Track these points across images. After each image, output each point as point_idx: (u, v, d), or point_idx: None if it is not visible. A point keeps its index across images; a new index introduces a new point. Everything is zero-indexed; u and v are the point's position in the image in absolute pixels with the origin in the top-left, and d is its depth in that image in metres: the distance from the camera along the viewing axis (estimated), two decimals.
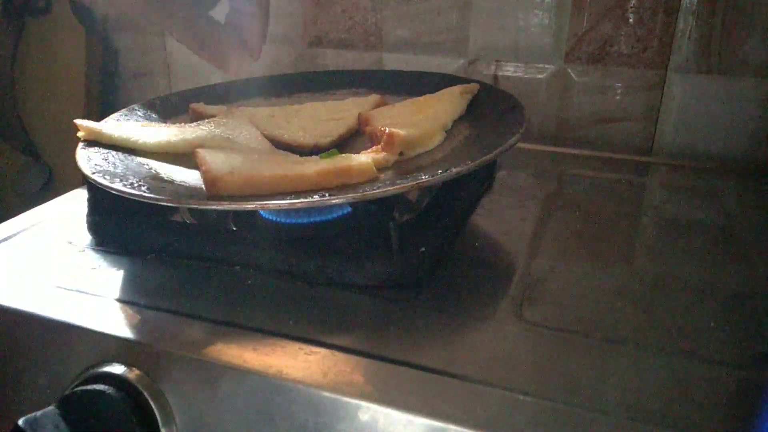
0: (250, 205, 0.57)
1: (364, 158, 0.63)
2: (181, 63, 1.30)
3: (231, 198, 0.58)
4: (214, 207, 0.56)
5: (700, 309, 0.56)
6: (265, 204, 0.57)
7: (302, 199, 0.55)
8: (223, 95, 0.91)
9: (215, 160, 0.63)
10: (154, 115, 0.83)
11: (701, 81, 0.94)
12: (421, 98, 0.83)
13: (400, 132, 0.67)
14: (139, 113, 0.82)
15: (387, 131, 0.66)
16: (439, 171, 0.58)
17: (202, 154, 0.65)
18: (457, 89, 0.82)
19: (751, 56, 0.91)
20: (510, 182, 0.84)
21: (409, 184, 0.56)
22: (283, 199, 0.55)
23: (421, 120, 0.75)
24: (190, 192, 0.61)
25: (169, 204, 0.56)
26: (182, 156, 0.70)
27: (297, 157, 0.68)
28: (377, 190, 0.55)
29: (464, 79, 0.86)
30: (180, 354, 0.51)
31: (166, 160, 0.69)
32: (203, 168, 0.62)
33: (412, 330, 0.53)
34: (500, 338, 0.51)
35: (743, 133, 0.94)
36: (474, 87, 0.83)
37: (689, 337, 0.52)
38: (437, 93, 0.83)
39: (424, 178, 0.57)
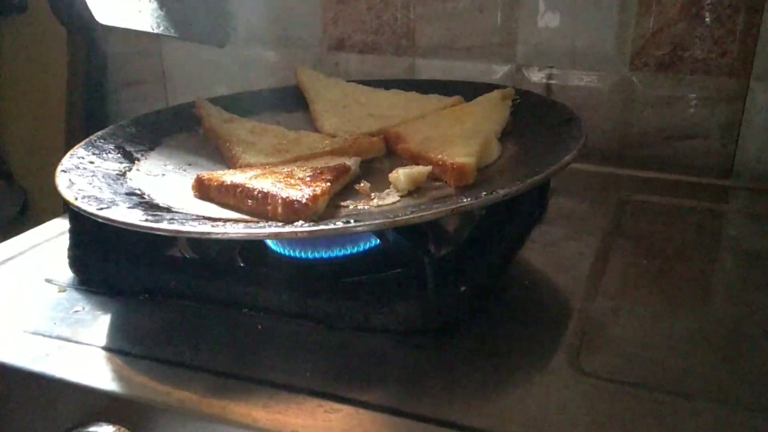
0: (260, 234, 0.57)
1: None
2: (178, 70, 1.31)
3: (239, 226, 0.58)
4: (218, 236, 0.56)
5: None
6: (279, 233, 0.57)
7: (322, 227, 0.55)
8: (225, 109, 0.91)
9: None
10: (145, 133, 0.84)
11: None
12: (456, 108, 0.84)
13: (471, 161, 0.66)
14: (129, 130, 0.83)
15: (455, 163, 0.66)
16: (483, 193, 0.58)
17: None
18: (495, 94, 0.83)
19: None
20: (565, 209, 0.85)
21: (447, 208, 0.56)
22: (300, 228, 0.56)
23: (461, 132, 0.76)
24: (190, 221, 0.61)
25: (166, 234, 0.57)
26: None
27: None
28: (410, 215, 0.55)
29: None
30: (177, 412, 0.51)
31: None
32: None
33: (450, 383, 0.53)
34: (554, 392, 0.52)
35: None
36: (510, 91, 0.84)
37: None
38: (474, 101, 0.83)
39: (465, 201, 0.57)
